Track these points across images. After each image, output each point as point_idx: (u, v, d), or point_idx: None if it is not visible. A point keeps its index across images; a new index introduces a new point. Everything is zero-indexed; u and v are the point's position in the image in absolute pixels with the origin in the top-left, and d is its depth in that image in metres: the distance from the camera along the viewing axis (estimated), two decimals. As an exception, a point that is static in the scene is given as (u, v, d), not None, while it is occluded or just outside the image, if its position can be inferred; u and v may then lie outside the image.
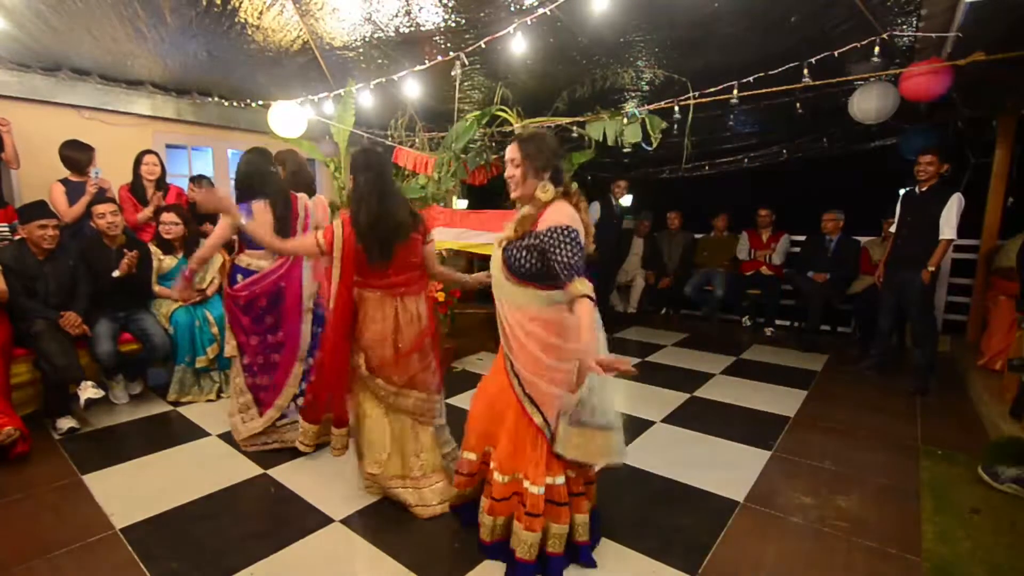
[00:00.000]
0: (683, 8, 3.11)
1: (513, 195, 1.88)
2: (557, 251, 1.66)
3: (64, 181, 3.64)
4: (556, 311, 1.80)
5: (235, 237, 2.77)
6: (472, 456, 2.03)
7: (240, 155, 2.78)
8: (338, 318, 2.15)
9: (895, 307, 3.90)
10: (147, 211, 3.82)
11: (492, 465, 1.93)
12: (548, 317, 1.81)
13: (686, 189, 7.50)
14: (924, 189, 3.68)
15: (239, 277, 2.73)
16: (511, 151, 1.86)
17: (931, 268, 3.56)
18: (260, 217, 2.63)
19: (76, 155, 3.64)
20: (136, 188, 3.88)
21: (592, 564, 1.92)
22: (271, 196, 2.68)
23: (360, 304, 2.19)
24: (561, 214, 1.74)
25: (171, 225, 3.60)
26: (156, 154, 3.98)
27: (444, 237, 4.45)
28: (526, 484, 1.82)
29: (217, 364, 3.57)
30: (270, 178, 2.73)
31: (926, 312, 3.76)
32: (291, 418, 2.78)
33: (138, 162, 3.88)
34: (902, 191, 3.90)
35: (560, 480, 1.83)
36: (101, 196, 3.48)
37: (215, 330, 3.55)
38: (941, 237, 3.53)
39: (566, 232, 1.68)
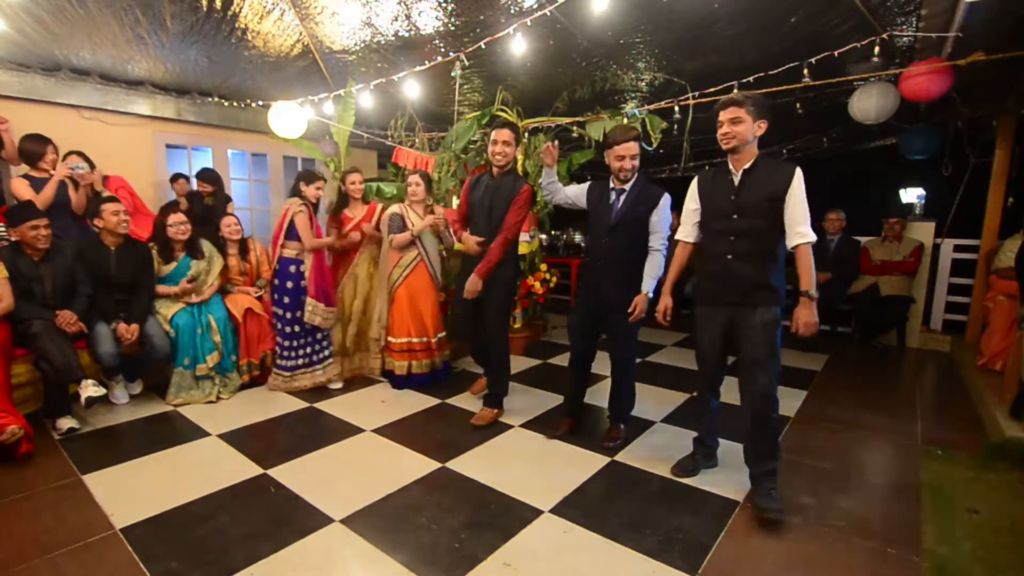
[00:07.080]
0: (683, 9, 3.11)
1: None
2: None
3: (27, 176, 3.51)
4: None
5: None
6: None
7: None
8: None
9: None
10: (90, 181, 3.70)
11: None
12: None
13: (686, 189, 7.48)
14: (628, 187, 2.82)
15: None
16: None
17: (645, 292, 2.85)
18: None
19: (31, 147, 3.51)
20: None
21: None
22: None
23: None
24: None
25: (180, 226, 3.54)
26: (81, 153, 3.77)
27: (444, 237, 4.43)
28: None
29: (217, 371, 3.56)
30: None
31: (631, 344, 3.05)
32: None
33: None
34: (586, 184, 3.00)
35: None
36: (104, 199, 3.43)
37: (217, 338, 3.54)
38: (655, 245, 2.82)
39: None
